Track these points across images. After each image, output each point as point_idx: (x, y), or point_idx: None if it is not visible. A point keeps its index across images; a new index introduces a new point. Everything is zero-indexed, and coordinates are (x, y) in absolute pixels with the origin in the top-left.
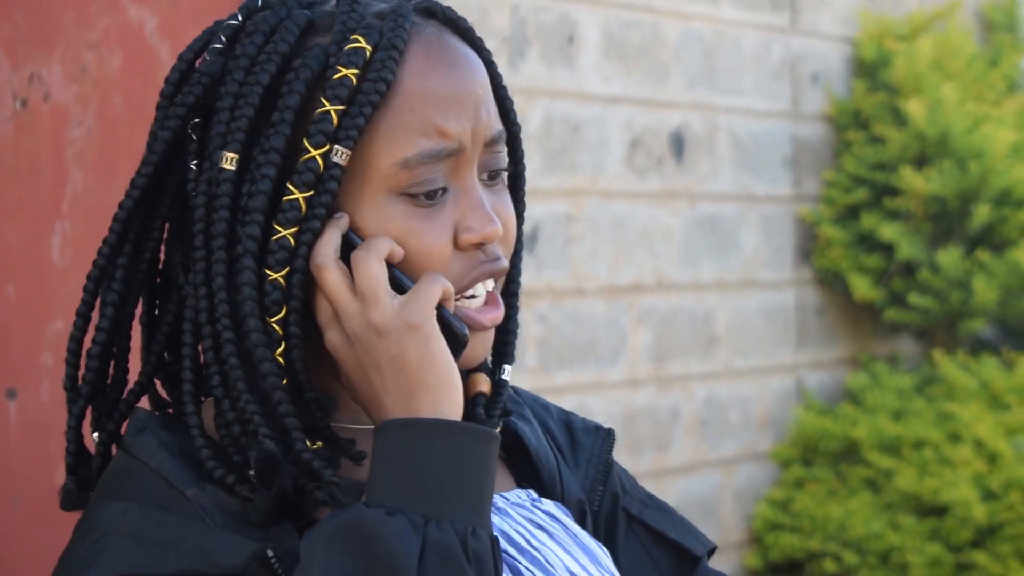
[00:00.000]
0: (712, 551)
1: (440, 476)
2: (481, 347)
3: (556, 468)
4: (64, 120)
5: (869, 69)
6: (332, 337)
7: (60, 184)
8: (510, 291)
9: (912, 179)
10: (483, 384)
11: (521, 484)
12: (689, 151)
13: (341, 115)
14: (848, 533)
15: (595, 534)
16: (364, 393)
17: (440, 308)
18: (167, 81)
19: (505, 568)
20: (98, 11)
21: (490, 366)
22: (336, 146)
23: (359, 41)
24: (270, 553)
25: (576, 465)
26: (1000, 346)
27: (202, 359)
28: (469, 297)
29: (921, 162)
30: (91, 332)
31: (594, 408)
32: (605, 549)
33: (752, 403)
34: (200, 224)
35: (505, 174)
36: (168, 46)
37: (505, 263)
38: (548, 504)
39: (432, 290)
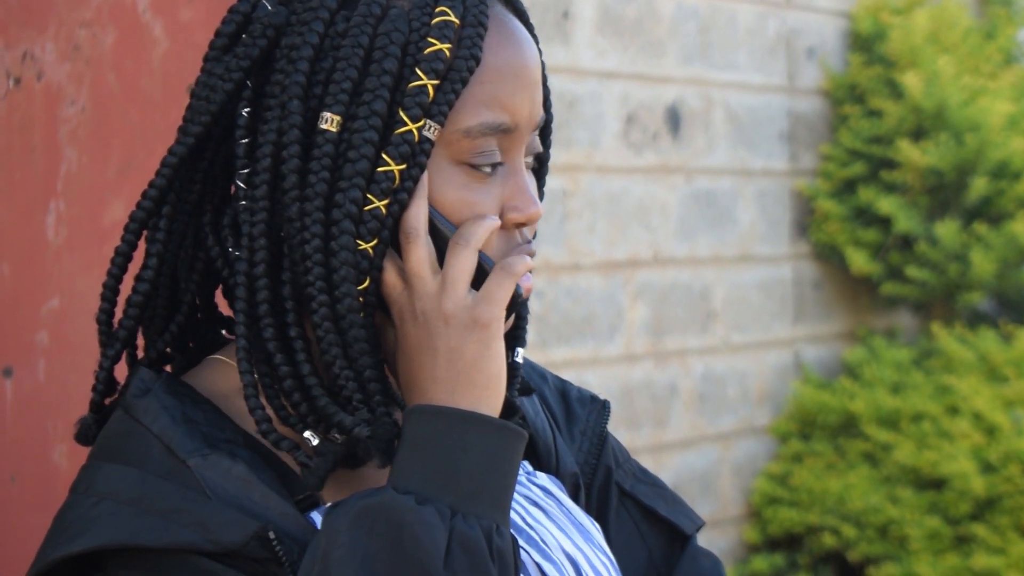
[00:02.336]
0: (700, 527)
1: (471, 469)
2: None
3: (552, 440)
4: (57, 98)
5: (865, 43)
6: (397, 311)
7: (54, 163)
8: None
9: (909, 152)
10: None
11: None
12: (685, 126)
13: (436, 89)
14: (847, 507)
15: (587, 508)
16: (410, 373)
17: (482, 254)
18: (220, 33)
19: None
20: None
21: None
22: (428, 120)
23: (447, 14)
24: (271, 535)
25: (571, 436)
26: (998, 319)
27: (264, 320)
28: None
29: (918, 135)
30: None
31: (592, 383)
32: (597, 525)
33: (750, 378)
34: (293, 179)
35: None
36: (161, 24)
37: (534, 244)
38: (543, 478)
39: (504, 289)
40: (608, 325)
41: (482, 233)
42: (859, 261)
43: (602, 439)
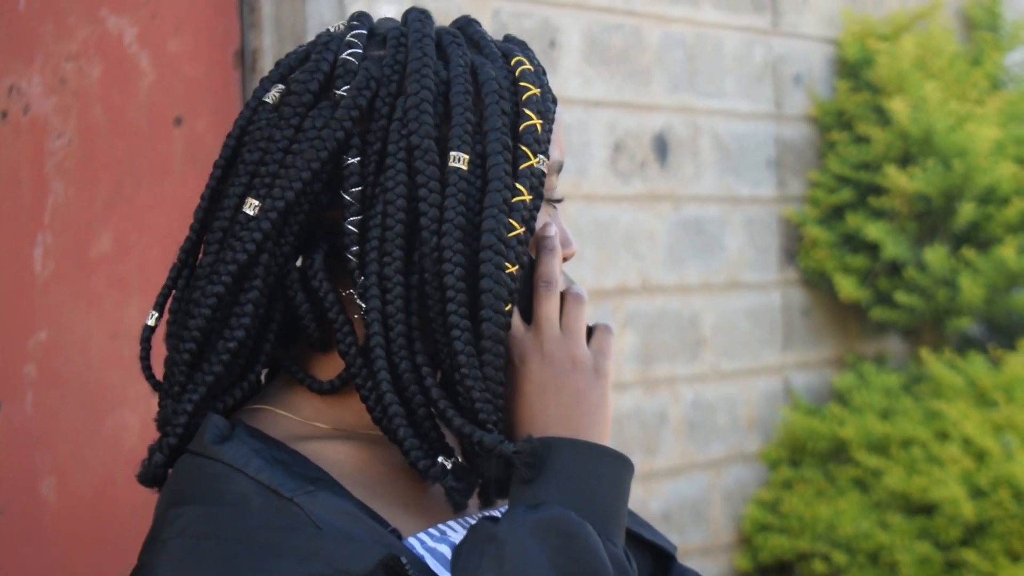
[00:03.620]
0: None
1: (605, 496)
2: None
3: None
4: (44, 131)
5: (852, 69)
6: (519, 351)
7: (41, 195)
8: None
9: (896, 178)
10: None
11: (489, 503)
12: (672, 154)
13: (541, 127)
14: (837, 533)
15: None
16: (532, 408)
17: None
18: (306, 87)
19: None
20: (77, 22)
21: None
22: (541, 156)
23: (524, 63)
24: (404, 559)
25: None
26: (987, 344)
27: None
28: None
29: (905, 161)
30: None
31: None
32: None
33: (739, 404)
34: (434, 213)
35: None
36: (148, 56)
37: None
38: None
39: (612, 346)
40: None
41: (583, 291)
42: (847, 287)
43: None
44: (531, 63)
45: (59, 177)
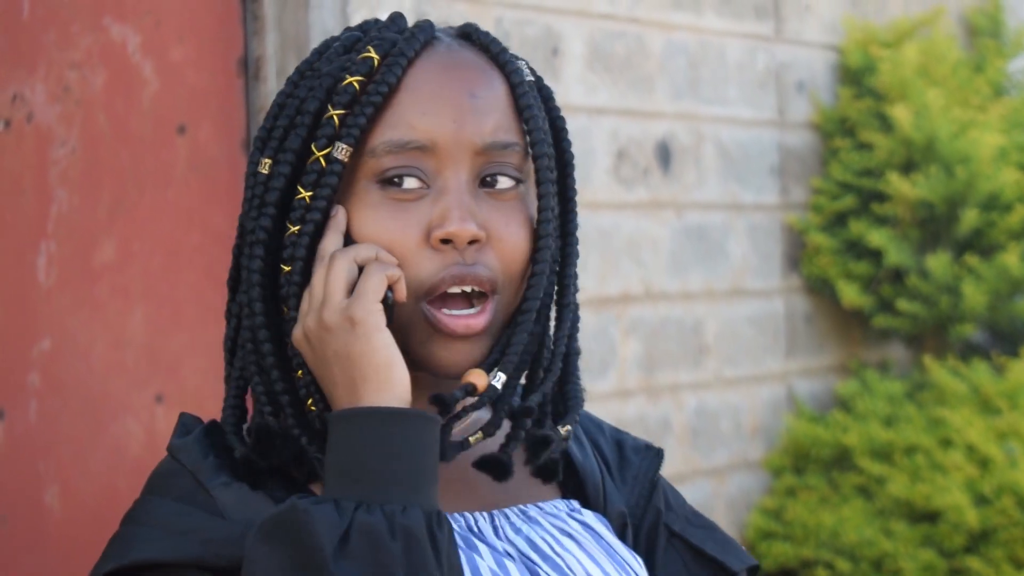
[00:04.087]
0: (754, 569)
1: (372, 463)
2: (457, 355)
3: (601, 482)
4: (48, 140)
5: (855, 76)
6: (295, 333)
7: (44, 204)
8: (522, 308)
9: (899, 185)
10: (474, 376)
11: (566, 496)
12: (675, 161)
13: (342, 117)
14: (841, 540)
15: (635, 547)
16: (323, 388)
17: (388, 294)
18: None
19: (525, 570)
20: (80, 30)
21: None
22: (338, 142)
23: (369, 52)
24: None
25: (623, 481)
26: (990, 351)
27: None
28: (442, 297)
29: (908, 168)
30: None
31: None
32: (640, 560)
33: (743, 412)
34: (245, 222)
35: (524, 188)
36: (151, 64)
37: (482, 271)
38: (588, 515)
39: (372, 283)
40: (600, 361)
41: (363, 248)
42: (850, 294)
43: (653, 484)
44: (393, 49)
45: (62, 185)
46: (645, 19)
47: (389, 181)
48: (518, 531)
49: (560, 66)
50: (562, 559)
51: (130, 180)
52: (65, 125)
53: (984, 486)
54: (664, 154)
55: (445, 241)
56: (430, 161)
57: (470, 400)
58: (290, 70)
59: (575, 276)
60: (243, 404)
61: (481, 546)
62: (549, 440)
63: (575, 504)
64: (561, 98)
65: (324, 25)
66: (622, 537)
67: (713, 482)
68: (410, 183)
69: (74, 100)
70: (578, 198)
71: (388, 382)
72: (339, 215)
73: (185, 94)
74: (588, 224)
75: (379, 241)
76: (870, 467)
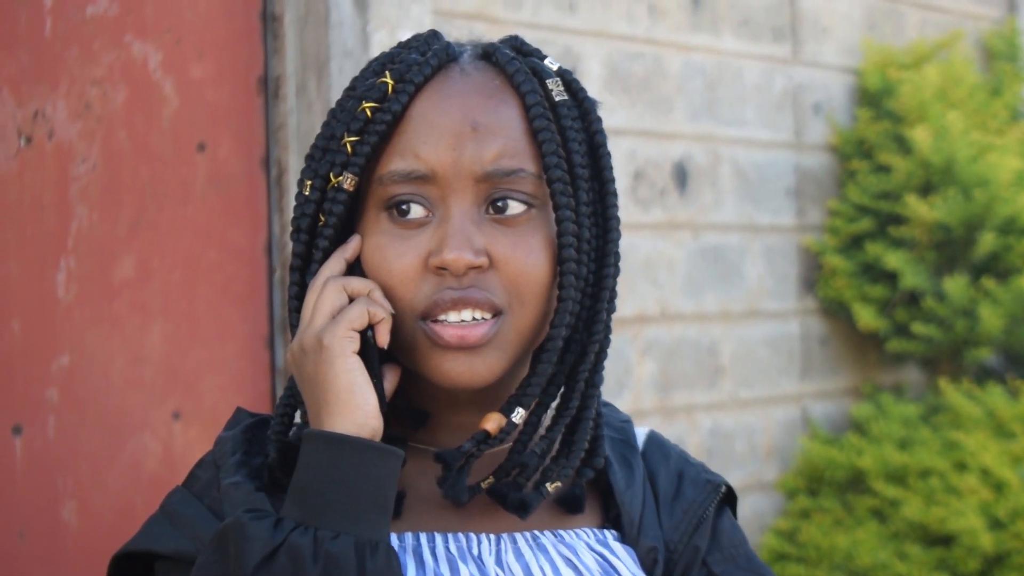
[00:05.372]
0: None
1: (316, 486)
2: (459, 366)
3: (640, 514)
4: (69, 156)
5: (873, 98)
6: (295, 352)
7: (65, 220)
8: (549, 336)
9: (917, 207)
10: (489, 422)
11: (606, 523)
12: (692, 182)
13: (354, 144)
14: (855, 563)
15: None
16: (306, 406)
17: (368, 329)
18: None
19: None
20: (102, 47)
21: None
22: (345, 172)
23: (385, 76)
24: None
25: (672, 514)
26: (1006, 374)
27: None
28: (440, 320)
29: (926, 190)
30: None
31: None
32: None
33: (757, 433)
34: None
35: (540, 212)
36: (172, 81)
37: (477, 294)
38: (617, 547)
39: (352, 313)
40: (616, 381)
41: (356, 282)
42: (866, 317)
43: (700, 520)
44: (406, 74)
45: (83, 202)
46: (663, 40)
47: (396, 209)
48: (519, 556)
49: None
50: None
51: (150, 197)
52: (86, 142)
53: (999, 510)
54: (681, 175)
55: (442, 268)
56: (433, 189)
57: (481, 447)
58: (309, 89)
59: (606, 306)
60: (292, 412)
61: (465, 568)
62: (527, 505)
63: (606, 534)
64: None
65: (344, 45)
66: (650, 572)
67: None
68: (415, 211)
69: (95, 117)
70: None
71: (348, 406)
72: (354, 242)
73: (205, 112)
74: None
75: (383, 267)
76: (885, 490)
